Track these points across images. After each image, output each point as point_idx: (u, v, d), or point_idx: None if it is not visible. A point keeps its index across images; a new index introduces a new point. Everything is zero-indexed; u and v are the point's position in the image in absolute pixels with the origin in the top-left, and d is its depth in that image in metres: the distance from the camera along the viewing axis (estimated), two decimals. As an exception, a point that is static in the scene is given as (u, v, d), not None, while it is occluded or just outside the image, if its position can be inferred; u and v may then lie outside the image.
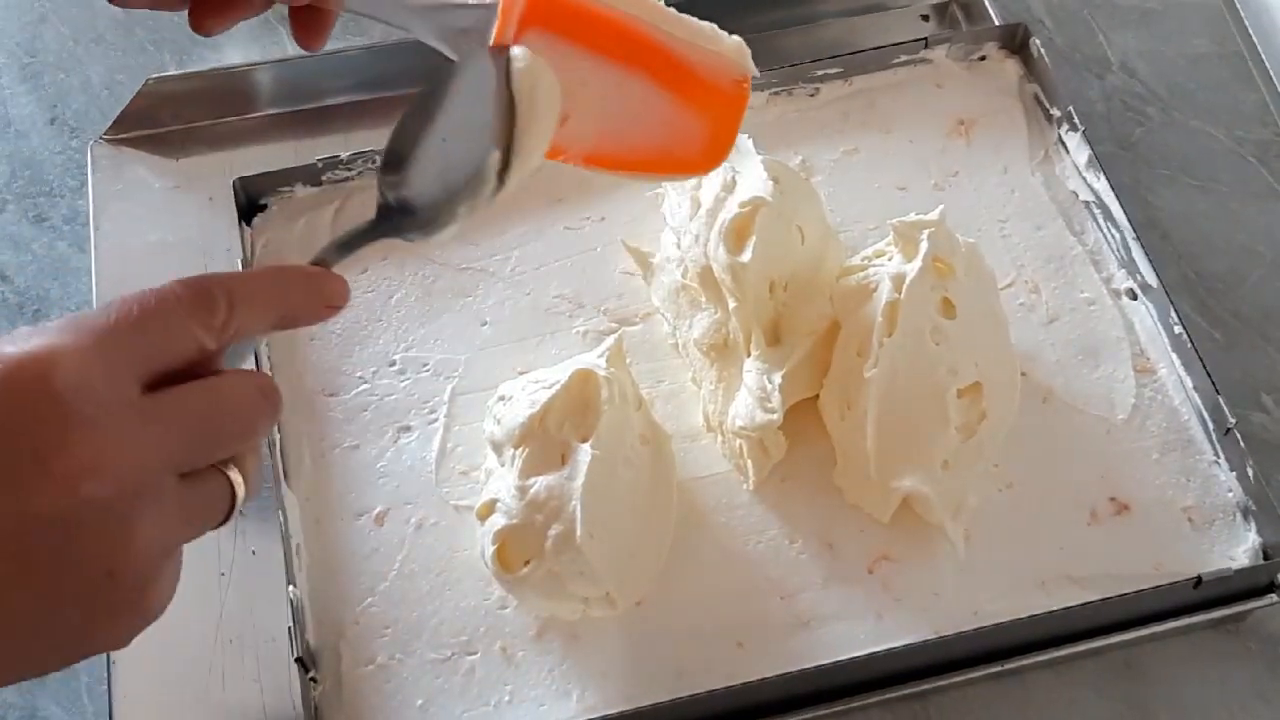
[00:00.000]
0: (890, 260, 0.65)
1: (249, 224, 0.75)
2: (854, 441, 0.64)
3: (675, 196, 0.69)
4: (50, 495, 0.39)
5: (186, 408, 0.42)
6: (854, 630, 0.62)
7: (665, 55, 0.54)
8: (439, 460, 0.67)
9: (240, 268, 0.72)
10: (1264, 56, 0.84)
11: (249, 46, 0.84)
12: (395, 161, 0.52)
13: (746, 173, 0.67)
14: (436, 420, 0.69)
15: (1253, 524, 0.65)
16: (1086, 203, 0.75)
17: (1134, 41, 0.86)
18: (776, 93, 0.79)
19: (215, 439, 0.43)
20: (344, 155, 0.75)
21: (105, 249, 0.74)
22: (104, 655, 0.62)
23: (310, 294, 0.47)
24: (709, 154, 0.57)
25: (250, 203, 0.75)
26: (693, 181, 0.68)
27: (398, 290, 0.73)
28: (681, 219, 0.68)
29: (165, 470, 0.41)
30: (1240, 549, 0.65)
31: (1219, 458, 0.67)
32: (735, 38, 0.55)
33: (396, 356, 0.71)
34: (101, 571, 0.40)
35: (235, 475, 0.44)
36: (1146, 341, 0.71)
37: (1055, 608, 0.61)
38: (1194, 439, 0.68)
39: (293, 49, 0.84)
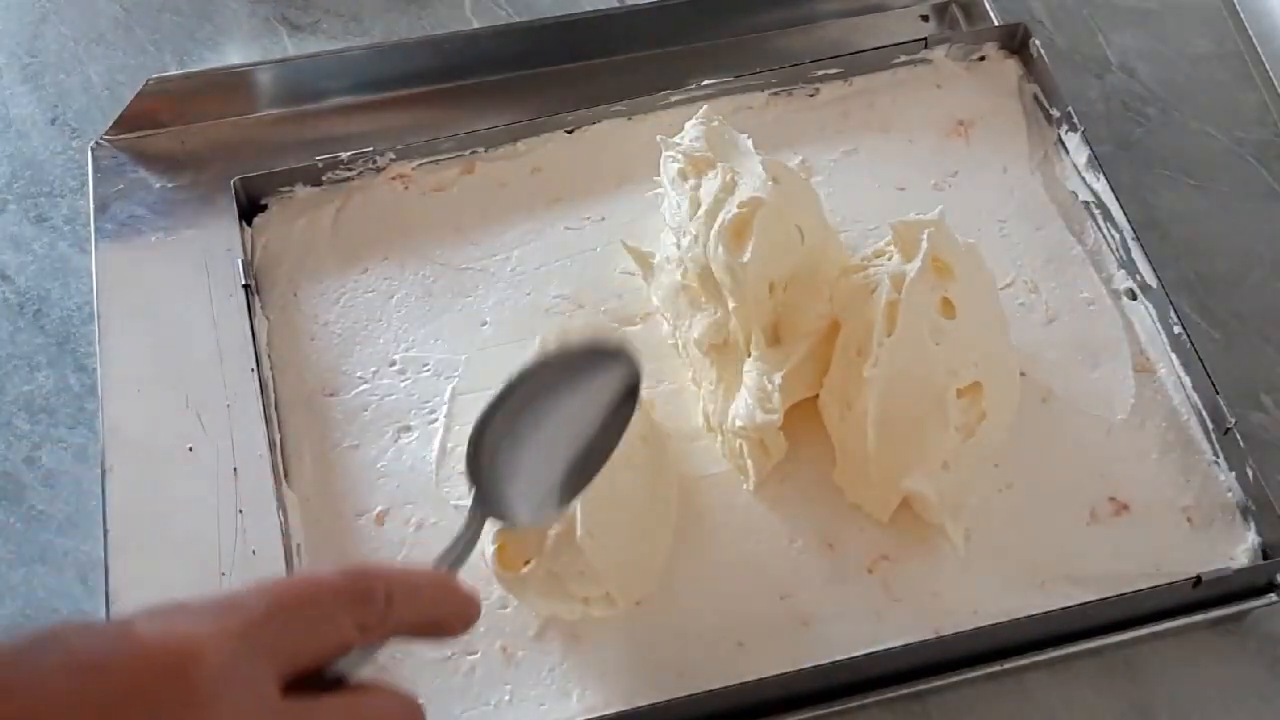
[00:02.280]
0: (890, 260, 0.65)
1: (249, 224, 0.75)
2: (854, 441, 0.64)
3: (675, 196, 0.69)
4: None
5: None
6: (854, 630, 0.62)
7: None
8: (439, 460, 0.67)
9: (240, 268, 0.72)
10: (1264, 56, 0.84)
11: (249, 46, 0.84)
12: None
13: (746, 173, 0.67)
14: (437, 420, 0.69)
15: (1252, 524, 0.65)
16: (1086, 203, 0.76)
17: (1134, 41, 0.86)
18: (776, 93, 0.79)
19: None
20: (344, 155, 0.75)
21: (105, 249, 0.75)
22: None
23: (460, 607, 0.45)
24: None
25: (250, 203, 0.75)
26: (692, 181, 0.68)
27: (398, 290, 0.73)
28: (681, 219, 0.68)
29: None
30: (1240, 549, 0.65)
31: (1218, 457, 0.67)
32: None
33: (396, 356, 0.71)
34: None
35: None
36: (1146, 341, 0.71)
37: (1055, 608, 0.61)
38: (1193, 439, 0.68)
39: (293, 49, 0.84)
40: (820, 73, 0.80)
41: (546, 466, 0.52)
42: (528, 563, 0.59)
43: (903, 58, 0.80)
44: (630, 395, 0.53)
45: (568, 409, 0.53)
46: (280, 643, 0.38)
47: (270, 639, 0.38)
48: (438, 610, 0.44)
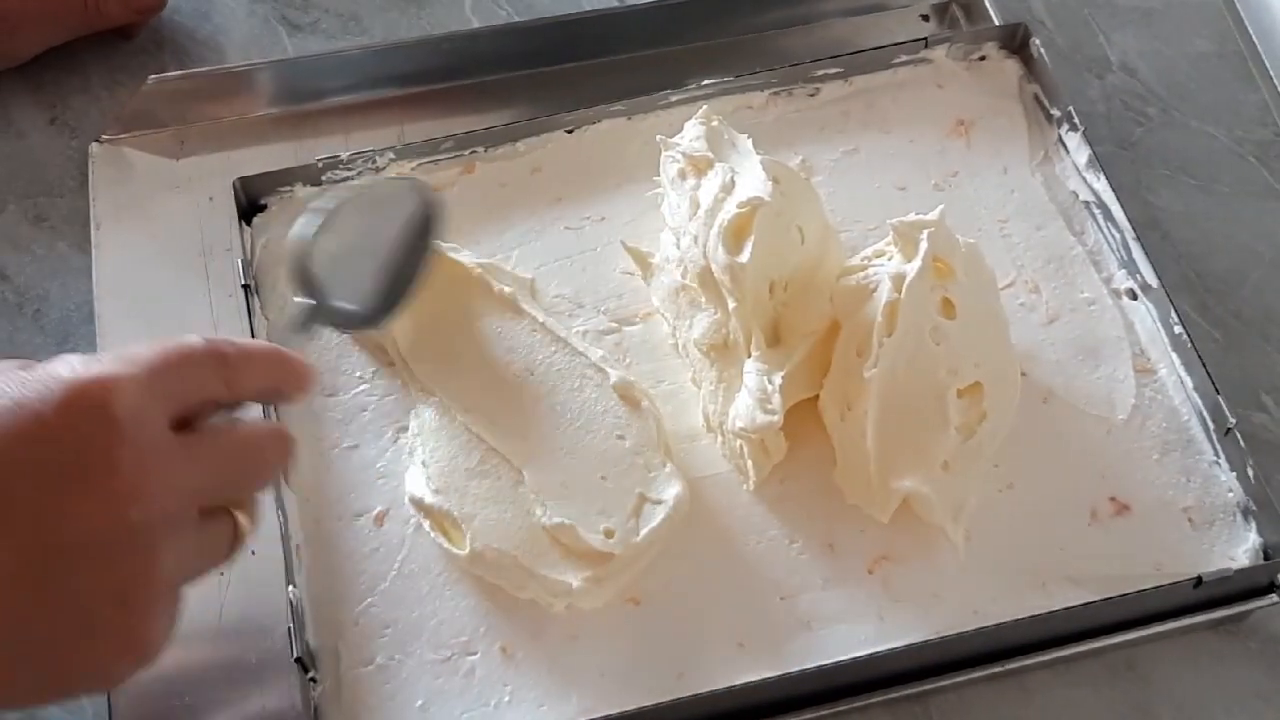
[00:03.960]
0: (890, 260, 0.65)
1: (249, 224, 0.75)
2: (854, 442, 0.63)
3: (675, 197, 0.69)
4: (87, 518, 0.41)
5: (216, 445, 0.45)
6: (854, 631, 0.62)
7: None
8: (439, 460, 0.67)
9: (240, 268, 0.72)
10: (1264, 56, 0.84)
11: (248, 46, 0.84)
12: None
13: (745, 173, 0.67)
14: (436, 420, 0.69)
15: (1253, 524, 0.65)
16: (1086, 203, 0.75)
17: (1134, 41, 0.86)
18: (776, 93, 0.79)
19: (236, 478, 0.47)
20: (344, 155, 0.75)
21: (105, 249, 0.74)
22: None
23: (294, 372, 0.51)
24: None
25: (250, 203, 0.75)
26: (692, 181, 0.68)
27: (398, 290, 0.73)
28: (681, 219, 0.68)
29: (192, 504, 0.44)
30: (1240, 549, 0.65)
31: (1219, 458, 0.67)
32: None
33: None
34: (116, 599, 0.42)
35: (241, 516, 0.47)
36: (1147, 341, 0.71)
37: (1055, 608, 0.61)
38: (1194, 439, 0.68)
39: (292, 48, 0.84)
40: (820, 73, 0.79)
41: (365, 280, 0.62)
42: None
43: (903, 58, 0.80)
44: (430, 222, 0.64)
45: (377, 234, 0.63)
46: (170, 388, 0.44)
47: (162, 384, 0.43)
48: (278, 376, 0.50)
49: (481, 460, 0.65)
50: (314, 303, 0.59)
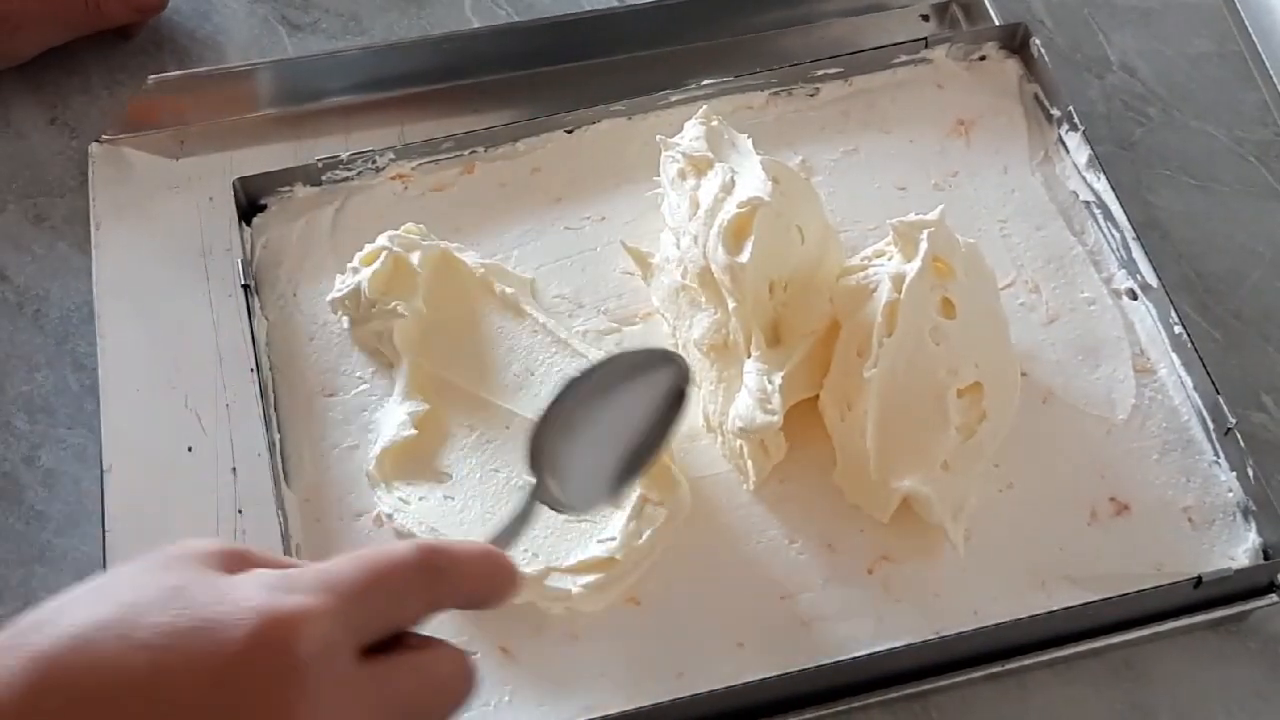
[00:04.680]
0: (890, 260, 0.65)
1: (249, 224, 0.75)
2: (854, 441, 0.63)
3: (675, 197, 0.69)
4: None
5: (400, 686, 0.42)
6: (854, 630, 0.62)
7: None
8: (439, 460, 0.67)
9: (240, 268, 0.72)
10: (1264, 56, 0.84)
11: (248, 46, 0.84)
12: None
13: (745, 173, 0.67)
14: (436, 420, 0.69)
15: (1253, 524, 0.65)
16: (1086, 203, 0.75)
17: (1134, 41, 0.86)
18: (776, 93, 0.79)
19: (419, 716, 0.43)
20: (344, 155, 0.75)
21: (105, 249, 0.75)
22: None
23: (506, 583, 0.47)
24: None
25: (250, 203, 0.75)
26: (692, 181, 0.68)
27: (398, 290, 0.73)
28: (681, 219, 0.68)
29: None
30: (1240, 549, 0.65)
31: (1219, 458, 0.67)
32: None
33: (396, 356, 0.71)
34: None
35: None
36: (1146, 341, 0.71)
37: (1055, 608, 0.61)
38: (1194, 439, 0.68)
39: (292, 48, 0.84)
40: (820, 73, 0.79)
41: (599, 460, 0.55)
42: None
43: (903, 58, 0.80)
44: (679, 396, 0.56)
45: (619, 407, 0.55)
46: (364, 619, 0.41)
47: (357, 616, 0.40)
48: (489, 585, 0.46)
49: (450, 461, 0.65)
50: (545, 485, 0.53)
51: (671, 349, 0.59)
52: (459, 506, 0.64)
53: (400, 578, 0.42)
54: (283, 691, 0.38)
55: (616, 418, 0.55)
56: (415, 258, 0.69)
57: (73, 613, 0.39)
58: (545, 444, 0.54)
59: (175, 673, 0.38)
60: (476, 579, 0.45)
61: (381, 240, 0.69)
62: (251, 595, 0.39)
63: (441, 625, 0.62)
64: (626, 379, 0.56)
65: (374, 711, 0.41)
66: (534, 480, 0.52)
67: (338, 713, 0.39)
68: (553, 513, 0.53)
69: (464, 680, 0.45)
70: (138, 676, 0.37)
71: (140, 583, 0.40)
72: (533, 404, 0.66)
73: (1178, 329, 0.69)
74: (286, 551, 0.63)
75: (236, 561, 0.42)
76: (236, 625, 0.38)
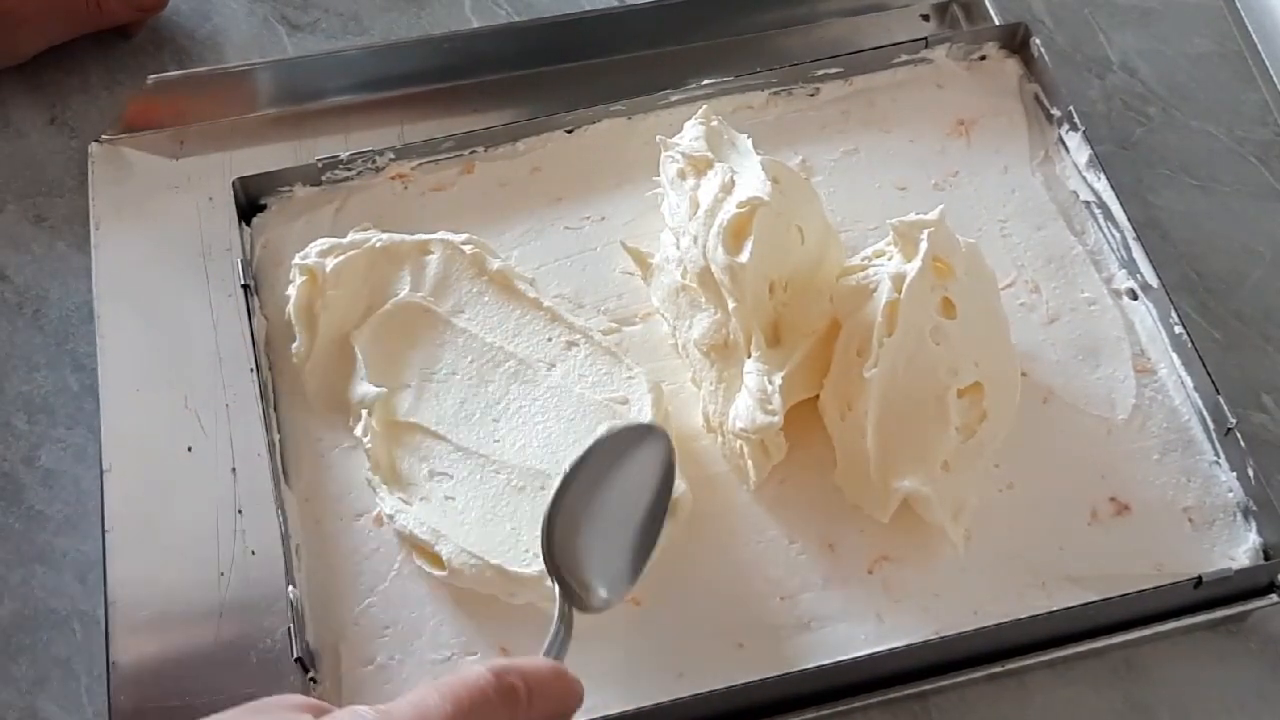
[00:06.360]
0: (890, 260, 0.65)
1: (249, 224, 0.75)
2: (854, 442, 0.63)
3: (675, 197, 0.69)
4: None
5: None
6: (854, 631, 0.62)
7: None
8: (439, 460, 0.67)
9: (240, 268, 0.72)
10: (1264, 56, 0.84)
11: (248, 46, 0.84)
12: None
13: (745, 173, 0.67)
14: (436, 420, 0.69)
15: (1253, 524, 0.65)
16: (1087, 203, 0.75)
17: (1134, 41, 0.86)
18: (776, 93, 0.79)
19: None
20: (344, 155, 0.75)
21: (105, 249, 0.74)
22: (103, 655, 0.62)
23: (575, 696, 0.49)
24: None
25: (250, 203, 0.75)
26: (692, 181, 0.68)
27: (397, 290, 0.73)
28: (680, 219, 0.68)
29: None
30: (1240, 549, 0.65)
31: (1219, 458, 0.67)
32: None
33: (396, 356, 0.71)
34: None
35: None
36: (1147, 341, 0.71)
37: (1055, 608, 0.61)
38: (1194, 439, 0.68)
39: (292, 48, 0.84)
40: (820, 72, 0.79)
41: (611, 552, 0.57)
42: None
43: (903, 57, 0.80)
44: (669, 469, 0.58)
45: (618, 492, 0.58)
46: None
47: None
48: (561, 706, 0.48)
49: (450, 462, 0.65)
50: (569, 589, 0.56)
51: (651, 422, 0.61)
52: (460, 507, 0.64)
53: (484, 705, 0.45)
54: None
55: (619, 504, 0.57)
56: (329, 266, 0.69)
57: None
58: (557, 547, 0.56)
59: None
60: (550, 700, 0.48)
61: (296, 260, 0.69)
62: None
63: (442, 627, 0.63)
64: (617, 461, 0.58)
65: None
66: (555, 586, 0.55)
67: None
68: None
69: None
70: None
71: None
72: (527, 400, 0.66)
73: (1178, 329, 0.69)
74: (286, 552, 0.63)
75: (319, 711, 0.45)
76: None
